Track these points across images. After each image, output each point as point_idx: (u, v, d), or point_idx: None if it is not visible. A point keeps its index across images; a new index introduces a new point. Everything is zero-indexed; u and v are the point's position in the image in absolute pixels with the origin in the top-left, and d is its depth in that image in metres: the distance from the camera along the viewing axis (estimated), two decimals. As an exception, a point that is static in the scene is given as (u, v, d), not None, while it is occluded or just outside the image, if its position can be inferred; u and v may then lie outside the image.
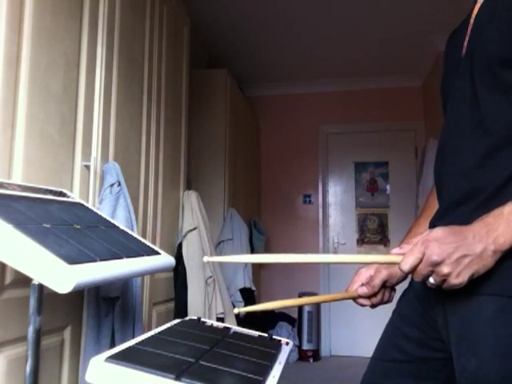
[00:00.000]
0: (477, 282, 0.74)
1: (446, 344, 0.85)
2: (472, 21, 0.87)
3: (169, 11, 2.22)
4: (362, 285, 0.97)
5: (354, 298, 0.97)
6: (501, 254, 0.70)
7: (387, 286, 0.97)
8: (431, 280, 0.72)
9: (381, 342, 1.01)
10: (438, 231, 0.72)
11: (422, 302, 0.93)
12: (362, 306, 0.98)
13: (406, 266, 0.72)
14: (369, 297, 0.97)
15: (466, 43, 0.88)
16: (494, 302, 0.73)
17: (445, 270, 0.69)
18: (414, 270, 0.72)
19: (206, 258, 0.80)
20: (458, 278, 0.69)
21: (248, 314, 2.90)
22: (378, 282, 0.94)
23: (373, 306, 0.99)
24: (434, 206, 1.01)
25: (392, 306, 1.03)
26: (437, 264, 0.70)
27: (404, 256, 0.73)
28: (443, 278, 0.70)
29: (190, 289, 2.12)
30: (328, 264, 4.27)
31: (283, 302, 0.91)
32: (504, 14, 0.78)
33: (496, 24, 0.80)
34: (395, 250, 0.78)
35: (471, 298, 0.76)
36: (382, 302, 0.98)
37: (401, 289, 1.03)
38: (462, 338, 0.77)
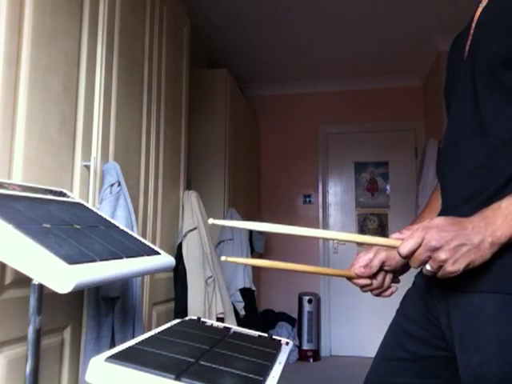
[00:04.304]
0: (479, 279, 0.75)
1: (449, 342, 0.85)
2: (474, 24, 0.88)
3: (169, 11, 2.22)
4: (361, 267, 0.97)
5: (352, 278, 0.96)
6: (498, 247, 0.72)
7: (387, 271, 0.97)
8: (427, 267, 0.73)
9: (384, 341, 1.01)
10: (439, 219, 0.74)
11: (425, 301, 0.93)
12: (362, 287, 0.96)
13: (405, 249, 0.73)
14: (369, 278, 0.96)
15: (467, 46, 0.89)
16: (496, 299, 0.74)
17: (442, 255, 0.71)
18: (412, 254, 0.73)
19: (211, 220, 0.80)
20: (454, 266, 0.71)
21: (248, 314, 2.90)
22: (376, 262, 0.94)
23: (372, 290, 0.97)
24: (436, 201, 1.02)
25: (394, 305, 1.04)
26: (435, 249, 0.71)
27: (403, 240, 0.74)
28: (440, 264, 0.71)
29: (190, 289, 2.12)
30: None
31: (278, 263, 0.88)
32: (504, 15, 0.79)
33: (497, 26, 0.81)
34: (395, 235, 0.79)
35: (474, 296, 0.77)
36: (382, 288, 0.96)
37: (404, 289, 1.03)
38: (465, 335, 0.78)
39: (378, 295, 0.99)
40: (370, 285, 0.96)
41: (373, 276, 0.95)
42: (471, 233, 0.71)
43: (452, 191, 0.88)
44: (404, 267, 0.97)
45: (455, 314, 0.81)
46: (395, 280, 1.00)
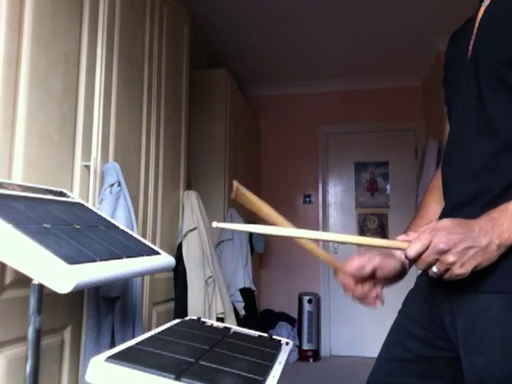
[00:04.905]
0: (483, 280, 0.75)
1: (453, 343, 0.85)
2: (477, 24, 0.88)
3: (169, 11, 2.22)
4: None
5: (339, 272, 0.91)
6: (504, 249, 0.72)
7: (376, 280, 0.92)
8: (434, 269, 0.73)
9: (386, 342, 1.01)
10: (446, 221, 0.74)
11: (428, 302, 0.93)
12: (344, 287, 0.91)
13: (412, 251, 0.72)
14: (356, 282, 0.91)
15: (471, 46, 0.88)
16: (501, 299, 0.74)
17: (450, 258, 0.70)
18: (419, 256, 0.73)
19: (215, 224, 0.79)
20: (462, 269, 0.70)
21: (248, 313, 2.90)
22: (369, 265, 0.89)
23: (354, 296, 0.92)
24: (430, 204, 1.02)
25: (395, 306, 1.03)
26: (443, 252, 0.70)
27: (411, 242, 0.73)
28: (447, 266, 0.71)
29: (190, 289, 2.12)
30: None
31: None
32: (508, 16, 0.79)
33: (500, 27, 0.81)
34: (401, 237, 0.78)
35: (478, 296, 0.77)
36: (365, 298, 0.91)
37: (406, 289, 1.03)
38: (470, 336, 0.78)
39: (359, 300, 0.93)
40: (354, 289, 0.91)
41: (361, 281, 0.90)
42: (479, 235, 0.71)
43: (456, 192, 0.88)
44: (394, 278, 0.93)
45: (459, 314, 0.81)
46: (380, 297, 0.93)
